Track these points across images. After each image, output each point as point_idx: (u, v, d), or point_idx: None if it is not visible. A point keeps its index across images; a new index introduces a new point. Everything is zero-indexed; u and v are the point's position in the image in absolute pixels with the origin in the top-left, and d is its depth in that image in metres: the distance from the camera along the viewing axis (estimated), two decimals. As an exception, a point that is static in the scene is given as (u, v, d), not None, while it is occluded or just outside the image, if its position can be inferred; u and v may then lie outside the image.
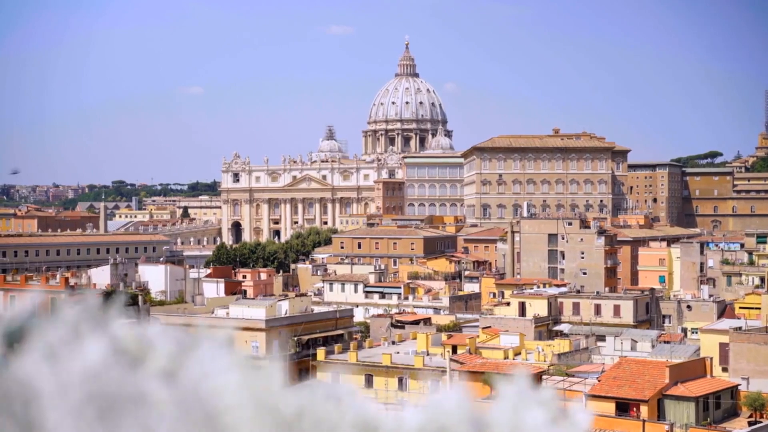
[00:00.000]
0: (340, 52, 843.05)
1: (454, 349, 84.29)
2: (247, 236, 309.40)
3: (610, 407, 53.40)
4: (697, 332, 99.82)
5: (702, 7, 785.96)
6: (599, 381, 57.53)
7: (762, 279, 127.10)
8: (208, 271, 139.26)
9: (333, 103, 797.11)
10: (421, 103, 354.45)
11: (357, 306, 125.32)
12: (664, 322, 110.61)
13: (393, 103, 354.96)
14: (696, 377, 56.55)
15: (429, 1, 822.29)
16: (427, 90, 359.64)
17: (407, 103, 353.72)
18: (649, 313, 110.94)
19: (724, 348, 68.57)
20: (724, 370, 67.73)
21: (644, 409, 52.53)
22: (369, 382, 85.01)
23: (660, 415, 53.23)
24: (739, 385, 58.24)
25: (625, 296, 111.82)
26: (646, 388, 53.82)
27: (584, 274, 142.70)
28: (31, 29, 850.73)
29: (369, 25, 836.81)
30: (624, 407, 53.58)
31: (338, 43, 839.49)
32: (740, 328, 72.07)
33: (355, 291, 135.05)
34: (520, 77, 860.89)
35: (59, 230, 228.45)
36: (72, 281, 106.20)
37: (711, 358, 62.12)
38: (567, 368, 71.40)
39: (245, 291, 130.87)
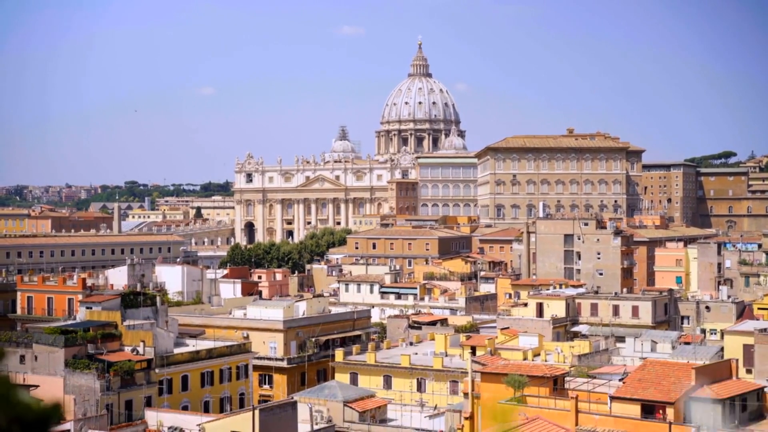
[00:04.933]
0: (352, 52, 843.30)
1: (473, 350, 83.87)
2: (260, 236, 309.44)
3: (635, 409, 52.89)
4: (716, 333, 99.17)
5: (715, 7, 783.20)
6: (624, 383, 57.03)
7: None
8: (225, 271, 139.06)
9: (346, 104, 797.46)
10: (434, 103, 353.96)
11: (373, 307, 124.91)
12: (682, 323, 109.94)
13: (406, 103, 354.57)
14: (722, 379, 56.00)
15: (439, 2, 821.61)
16: (440, 90, 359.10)
17: (420, 103, 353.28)
18: (668, 314, 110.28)
19: (748, 349, 67.98)
20: (748, 371, 67.18)
21: (670, 412, 52.00)
22: (388, 383, 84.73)
23: (686, 417, 52.70)
24: (765, 387, 57.65)
25: (644, 297, 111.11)
26: (672, 390, 53.30)
27: (600, 274, 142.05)
28: (37, 28, 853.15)
29: (380, 26, 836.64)
30: (649, 409, 53.05)
31: (350, 43, 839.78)
32: (766, 329, 71.33)
33: (371, 292, 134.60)
34: (533, 77, 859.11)
35: (73, 231, 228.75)
36: (89, 282, 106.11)
37: (736, 360, 61.54)
38: (588, 370, 70.92)
39: (261, 291, 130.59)
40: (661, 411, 52.70)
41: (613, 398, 54.24)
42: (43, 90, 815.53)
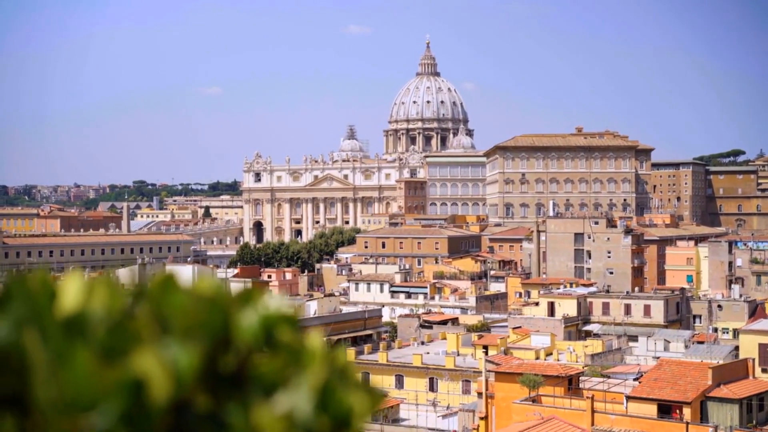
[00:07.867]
0: (360, 51, 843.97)
1: (486, 349, 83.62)
2: (268, 236, 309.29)
3: (651, 409, 52.60)
4: (728, 332, 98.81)
5: (724, 5, 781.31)
6: (639, 382, 56.76)
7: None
8: (235, 270, 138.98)
9: (354, 103, 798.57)
10: (442, 102, 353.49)
11: (383, 306, 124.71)
12: (694, 322, 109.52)
13: (414, 102, 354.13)
14: (738, 378, 55.67)
15: (447, 1, 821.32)
16: (448, 89, 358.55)
17: (428, 102, 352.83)
18: (680, 313, 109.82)
19: (764, 348, 67.61)
20: (764, 371, 66.82)
21: (687, 411, 51.71)
22: (400, 382, 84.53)
23: (703, 417, 52.40)
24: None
25: (656, 296, 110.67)
26: (689, 389, 52.99)
27: (611, 273, 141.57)
28: (41, 27, 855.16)
29: (388, 25, 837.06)
30: (666, 409, 52.76)
31: (358, 42, 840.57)
32: (781, 328, 70.98)
33: (381, 291, 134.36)
34: (541, 76, 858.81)
35: (81, 230, 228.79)
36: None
37: (753, 359, 61.20)
38: (602, 369, 70.64)
39: (271, 291, 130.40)
40: (677, 411, 52.41)
41: (629, 398, 53.97)
42: (48, 89, 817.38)
